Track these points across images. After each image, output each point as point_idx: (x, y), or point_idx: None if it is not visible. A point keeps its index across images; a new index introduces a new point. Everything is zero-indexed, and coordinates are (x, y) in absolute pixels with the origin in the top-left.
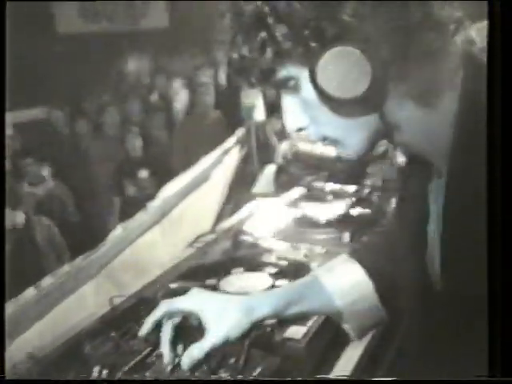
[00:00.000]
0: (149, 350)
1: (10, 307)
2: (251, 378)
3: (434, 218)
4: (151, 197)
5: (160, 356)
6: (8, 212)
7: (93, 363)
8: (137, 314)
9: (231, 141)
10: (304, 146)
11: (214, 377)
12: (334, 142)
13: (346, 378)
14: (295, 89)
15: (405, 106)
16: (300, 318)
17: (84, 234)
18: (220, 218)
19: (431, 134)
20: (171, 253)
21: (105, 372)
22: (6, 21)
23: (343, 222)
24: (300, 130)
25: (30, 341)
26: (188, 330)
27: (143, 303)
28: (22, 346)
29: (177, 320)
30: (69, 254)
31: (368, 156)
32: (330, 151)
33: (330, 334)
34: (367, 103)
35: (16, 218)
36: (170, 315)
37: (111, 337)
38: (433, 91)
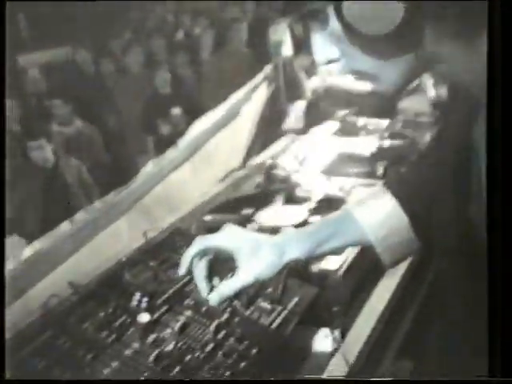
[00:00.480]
0: (188, 278)
1: (45, 241)
2: (289, 307)
3: (482, 158)
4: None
5: None
6: (37, 150)
7: (133, 291)
8: (173, 245)
9: (259, 77)
10: (335, 81)
11: (252, 307)
12: (367, 77)
13: (345, 378)
14: (324, 22)
15: (444, 43)
16: (333, 253)
17: (114, 175)
18: (250, 154)
19: (476, 68)
20: (202, 188)
21: (145, 300)
22: (5, 21)
23: (377, 155)
24: (330, 62)
25: (69, 271)
26: (220, 263)
27: (178, 234)
28: (61, 276)
29: (210, 256)
30: (99, 194)
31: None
32: (363, 86)
33: (367, 263)
34: (400, 43)
35: (45, 156)
36: (204, 252)
37: (150, 266)
38: (475, 28)
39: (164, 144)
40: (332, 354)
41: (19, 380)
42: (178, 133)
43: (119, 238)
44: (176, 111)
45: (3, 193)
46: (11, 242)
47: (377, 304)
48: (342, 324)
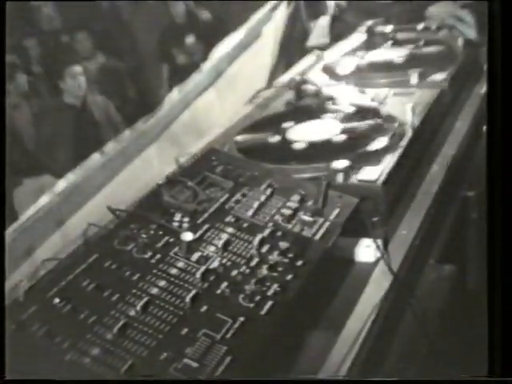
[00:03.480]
0: (227, 196)
1: (78, 173)
2: (331, 218)
3: None
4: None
5: (238, 201)
6: (72, 86)
7: (173, 211)
8: (209, 165)
9: None
10: None
11: (294, 220)
12: None
13: (344, 378)
14: None
15: None
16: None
17: (142, 109)
18: (275, 74)
19: None
20: (229, 112)
21: (186, 219)
22: (5, 21)
23: (410, 62)
24: None
25: (105, 200)
26: None
27: (213, 154)
28: (97, 206)
29: None
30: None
31: None
32: None
33: (405, 172)
34: None
35: (78, 93)
36: None
37: (188, 186)
38: None
39: (180, 74)
40: (376, 264)
41: (19, 380)
42: (194, 62)
43: (150, 165)
44: (190, 40)
45: (3, 190)
46: (43, 181)
47: (418, 211)
48: (384, 233)
